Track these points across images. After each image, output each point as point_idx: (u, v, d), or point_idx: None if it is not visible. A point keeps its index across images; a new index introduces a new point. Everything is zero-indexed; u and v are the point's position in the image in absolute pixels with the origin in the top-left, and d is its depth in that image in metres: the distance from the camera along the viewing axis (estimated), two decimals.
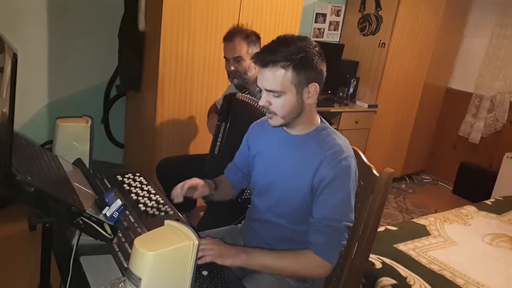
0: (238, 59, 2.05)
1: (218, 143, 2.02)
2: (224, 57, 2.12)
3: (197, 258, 0.95)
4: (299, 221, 1.29)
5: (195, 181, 1.37)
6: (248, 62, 2.06)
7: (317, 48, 1.20)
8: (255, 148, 1.42)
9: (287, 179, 1.28)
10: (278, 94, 1.18)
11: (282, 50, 1.15)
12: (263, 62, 1.18)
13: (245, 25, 2.12)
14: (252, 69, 2.10)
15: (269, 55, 1.16)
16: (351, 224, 1.23)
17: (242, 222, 1.57)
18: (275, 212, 1.33)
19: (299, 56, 1.15)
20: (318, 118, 1.31)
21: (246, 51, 2.06)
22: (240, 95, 1.99)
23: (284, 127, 1.31)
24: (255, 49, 2.10)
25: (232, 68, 2.07)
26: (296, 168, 1.26)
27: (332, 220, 1.19)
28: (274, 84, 1.17)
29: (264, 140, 1.39)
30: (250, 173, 1.46)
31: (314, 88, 1.20)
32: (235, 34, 2.05)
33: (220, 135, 2.01)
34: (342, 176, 1.20)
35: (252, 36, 2.07)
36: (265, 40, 2.16)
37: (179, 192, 1.34)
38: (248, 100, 1.94)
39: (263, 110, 1.79)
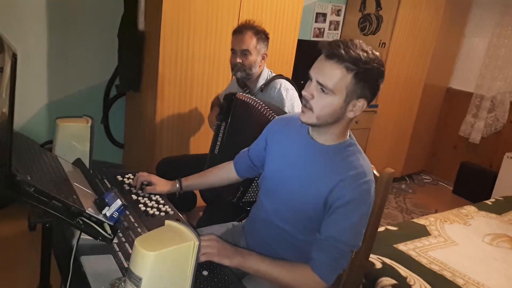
0: (245, 52, 2.06)
1: (218, 143, 2.02)
2: (231, 49, 2.12)
3: (198, 258, 0.95)
4: (303, 230, 1.27)
5: (150, 178, 1.52)
6: (254, 57, 2.08)
7: (382, 69, 1.15)
8: (273, 144, 1.38)
9: (301, 186, 1.24)
10: (327, 91, 1.12)
11: (354, 52, 1.10)
12: (330, 53, 1.11)
13: (256, 22, 2.13)
14: (257, 66, 2.11)
15: (340, 49, 1.10)
16: (356, 250, 1.22)
17: (245, 219, 1.57)
18: (280, 215, 1.31)
19: (366, 66, 1.10)
20: (348, 133, 1.26)
21: (255, 46, 2.08)
22: (240, 95, 1.99)
23: (310, 131, 1.26)
24: (263, 47, 2.11)
25: (238, 60, 2.08)
26: (313, 178, 1.22)
27: (339, 242, 1.16)
28: (329, 80, 1.11)
29: (284, 138, 1.34)
30: (260, 166, 1.45)
31: (361, 104, 1.15)
32: (246, 28, 2.08)
33: (220, 135, 2.02)
34: (360, 200, 1.16)
35: (262, 34, 2.10)
36: None
37: (136, 182, 1.52)
38: (248, 100, 1.94)
39: (265, 112, 1.81)
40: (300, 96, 1.23)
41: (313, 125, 1.20)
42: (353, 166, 1.18)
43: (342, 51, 1.09)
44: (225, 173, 1.58)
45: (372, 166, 1.35)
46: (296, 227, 1.28)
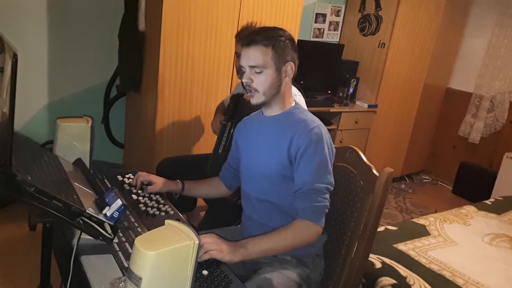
0: None
1: (223, 143, 2.02)
2: (235, 53, 2.14)
3: (198, 257, 0.95)
4: (284, 194, 1.35)
5: (150, 178, 1.55)
6: None
7: (291, 37, 1.37)
8: (242, 142, 1.51)
9: (266, 156, 1.38)
10: (260, 69, 1.31)
11: (265, 32, 1.33)
12: (247, 42, 1.32)
13: (258, 25, 2.13)
14: None
15: (252, 35, 1.32)
16: (331, 187, 1.31)
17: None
18: (261, 189, 1.40)
19: (278, 38, 1.32)
20: (292, 101, 1.42)
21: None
22: (247, 96, 1.99)
23: (263, 112, 1.43)
24: None
25: None
26: (272, 144, 1.37)
27: (312, 183, 1.28)
28: (257, 60, 1.30)
29: (248, 132, 1.49)
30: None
31: (290, 67, 1.34)
32: (248, 31, 2.08)
33: (225, 135, 2.02)
34: (316, 142, 1.30)
35: None
36: None
37: (136, 183, 1.55)
38: None
39: None
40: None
41: (264, 103, 1.37)
42: (300, 120, 1.36)
43: (255, 37, 1.31)
44: (216, 187, 1.64)
45: (372, 165, 1.36)
46: (276, 194, 1.38)
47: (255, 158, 1.42)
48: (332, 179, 1.32)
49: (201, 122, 2.77)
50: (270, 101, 1.36)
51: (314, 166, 1.28)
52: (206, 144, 2.74)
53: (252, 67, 1.31)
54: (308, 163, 1.29)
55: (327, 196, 1.29)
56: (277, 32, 1.33)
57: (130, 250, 1.14)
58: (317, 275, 1.44)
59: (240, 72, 2.14)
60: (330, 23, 3.80)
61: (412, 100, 3.86)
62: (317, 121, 1.35)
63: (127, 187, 1.54)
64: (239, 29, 2.23)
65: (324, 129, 1.34)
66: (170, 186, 1.56)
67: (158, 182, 1.54)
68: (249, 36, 1.33)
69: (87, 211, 1.05)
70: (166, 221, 0.98)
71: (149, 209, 1.40)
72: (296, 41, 1.42)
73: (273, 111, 1.40)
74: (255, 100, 1.35)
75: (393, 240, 2.04)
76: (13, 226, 2.40)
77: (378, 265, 1.80)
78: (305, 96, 2.17)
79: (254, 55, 1.30)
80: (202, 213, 2.29)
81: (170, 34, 2.47)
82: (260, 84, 1.32)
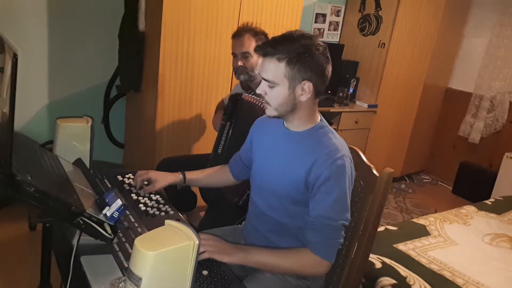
0: (246, 55, 2.07)
1: (222, 143, 2.02)
2: (232, 53, 2.14)
3: (197, 257, 0.95)
4: (293, 215, 1.31)
5: (149, 175, 1.52)
6: (255, 59, 2.08)
7: (321, 48, 1.22)
8: (257, 143, 1.45)
9: (281, 174, 1.30)
10: (271, 84, 1.22)
11: (283, 44, 1.19)
12: (263, 52, 1.23)
13: (254, 24, 2.13)
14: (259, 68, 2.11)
15: (269, 46, 1.21)
16: (347, 223, 1.24)
17: (243, 222, 1.58)
18: (270, 205, 1.35)
19: (297, 51, 1.18)
20: (318, 117, 1.32)
21: (254, 48, 2.07)
22: (246, 96, 1.99)
23: (284, 123, 1.33)
24: None
25: (240, 63, 2.09)
26: (290, 164, 1.28)
27: (328, 218, 1.20)
28: (269, 74, 1.22)
29: (264, 134, 1.42)
30: (251, 167, 1.48)
31: (307, 86, 1.21)
32: (244, 31, 2.09)
33: (224, 135, 2.02)
34: (337, 175, 1.21)
35: (261, 35, 2.10)
36: None
37: (136, 182, 1.52)
38: (253, 101, 1.95)
39: None
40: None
41: (277, 117, 1.28)
42: (325, 145, 1.25)
43: (270, 48, 1.20)
44: (222, 176, 1.62)
45: (372, 166, 1.36)
46: (285, 214, 1.32)
47: (269, 172, 1.35)
48: (348, 215, 1.24)
49: (201, 122, 2.77)
50: (286, 116, 1.28)
51: (331, 201, 1.20)
52: (206, 144, 2.74)
53: (265, 80, 1.23)
54: (326, 196, 1.20)
55: (342, 233, 1.23)
56: (298, 44, 1.19)
57: (130, 250, 1.14)
58: (318, 286, 1.42)
59: (237, 72, 2.16)
60: (330, 23, 3.80)
61: (412, 100, 3.86)
62: (341, 149, 1.24)
63: (127, 187, 1.54)
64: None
65: (348, 160, 1.24)
66: (170, 179, 1.54)
67: (157, 179, 1.51)
68: (267, 45, 1.22)
69: (87, 211, 1.05)
70: (166, 221, 0.97)
71: (149, 209, 1.40)
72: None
73: (293, 126, 1.30)
74: (268, 112, 1.28)
75: (393, 240, 2.04)
76: (13, 226, 2.40)
77: (378, 265, 1.80)
78: None
79: (267, 68, 1.21)
80: (202, 213, 2.29)
81: (170, 34, 2.47)
82: (272, 99, 1.24)
